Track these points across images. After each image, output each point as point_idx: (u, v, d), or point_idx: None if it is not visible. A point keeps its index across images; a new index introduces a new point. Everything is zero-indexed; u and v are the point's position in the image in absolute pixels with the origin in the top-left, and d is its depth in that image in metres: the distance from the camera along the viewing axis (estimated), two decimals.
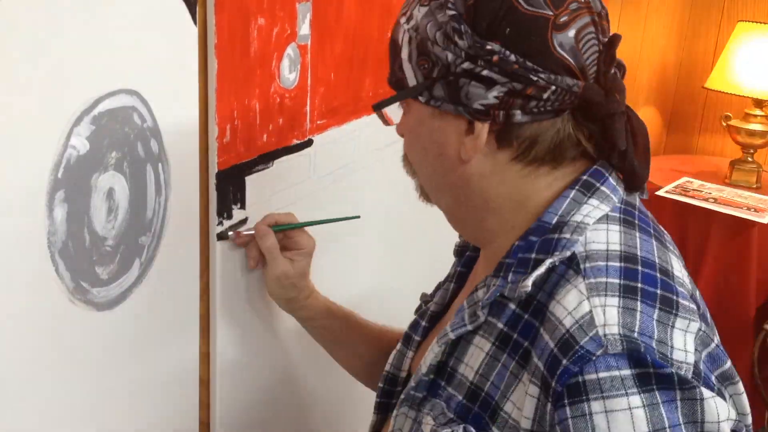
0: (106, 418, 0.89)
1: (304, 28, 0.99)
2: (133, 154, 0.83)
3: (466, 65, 0.68)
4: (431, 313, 0.90)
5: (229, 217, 0.97)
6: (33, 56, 0.71)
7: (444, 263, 1.01)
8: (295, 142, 1.03)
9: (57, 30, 0.72)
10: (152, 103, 0.83)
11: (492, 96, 0.68)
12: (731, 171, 2.50)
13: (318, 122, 1.06)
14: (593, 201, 0.71)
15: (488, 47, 0.67)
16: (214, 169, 0.93)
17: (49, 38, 0.72)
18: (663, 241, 0.74)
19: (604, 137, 0.72)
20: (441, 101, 0.70)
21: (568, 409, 0.62)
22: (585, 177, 0.72)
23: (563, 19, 0.67)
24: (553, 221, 0.71)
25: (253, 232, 0.97)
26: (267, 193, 1.01)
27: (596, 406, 0.61)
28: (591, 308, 0.64)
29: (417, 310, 0.94)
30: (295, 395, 1.19)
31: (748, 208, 2.30)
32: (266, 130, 0.98)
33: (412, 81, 0.72)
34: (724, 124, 2.50)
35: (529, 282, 0.67)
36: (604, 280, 0.66)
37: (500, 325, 0.70)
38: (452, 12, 0.68)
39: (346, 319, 1.05)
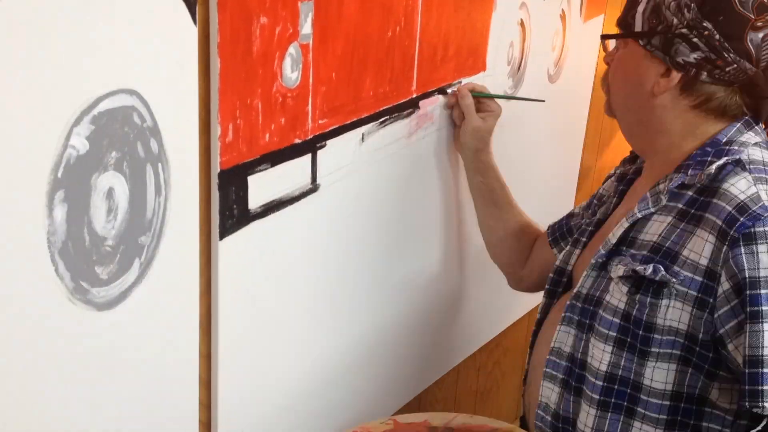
0: (106, 419, 0.89)
1: (306, 27, 0.99)
2: (132, 154, 0.83)
3: (684, 30, 0.97)
4: (597, 220, 1.17)
5: (232, 216, 0.96)
6: (33, 56, 0.70)
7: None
8: (297, 141, 1.03)
9: (57, 30, 0.72)
10: (152, 103, 0.83)
11: (693, 57, 0.98)
12: None
13: (320, 121, 1.06)
14: (751, 132, 1.02)
15: (705, 24, 0.97)
16: (216, 169, 0.92)
17: (49, 38, 0.71)
18: None
19: (759, 111, 1.03)
20: (655, 48, 1.00)
21: (742, 248, 0.92)
22: (747, 118, 1.03)
23: (759, 24, 0.97)
24: (724, 139, 1.01)
25: (455, 91, 1.28)
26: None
27: (762, 247, 0.91)
28: (758, 191, 0.95)
29: (568, 216, 1.29)
30: (295, 395, 1.18)
31: None
32: (268, 130, 0.98)
33: (638, 28, 1.01)
34: None
35: (713, 168, 0.97)
36: (764, 176, 0.97)
37: (680, 206, 0.99)
38: None
39: (504, 190, 1.35)
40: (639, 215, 1.01)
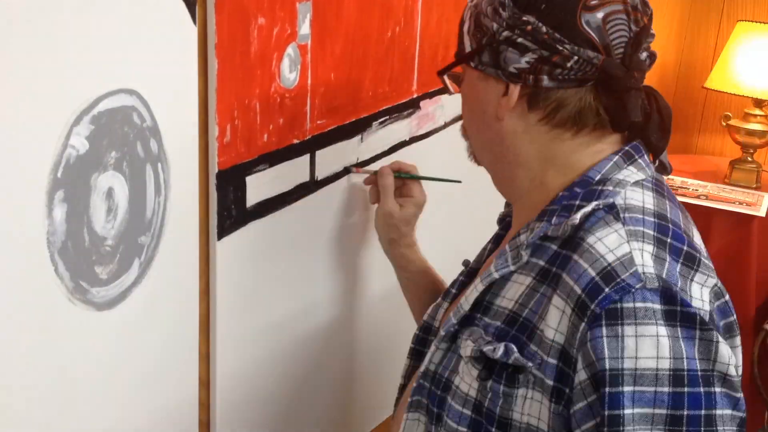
0: (106, 418, 0.89)
1: (305, 28, 0.99)
2: (132, 154, 0.83)
3: (506, 33, 0.79)
4: (469, 269, 1.00)
5: (230, 217, 0.96)
6: (32, 56, 0.70)
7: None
8: (295, 141, 1.03)
9: (56, 30, 0.72)
10: (152, 103, 0.83)
11: (524, 61, 0.79)
12: (731, 171, 2.50)
13: (318, 122, 1.06)
14: (632, 168, 0.82)
15: (524, 18, 0.78)
16: (214, 169, 0.92)
17: (49, 38, 0.72)
18: (686, 214, 0.86)
19: (621, 110, 0.81)
20: (486, 66, 0.82)
21: (604, 329, 0.71)
22: (626, 148, 0.83)
23: (593, 2, 0.78)
24: (597, 177, 0.81)
25: (374, 170, 1.13)
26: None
27: (629, 330, 0.70)
28: (631, 250, 0.74)
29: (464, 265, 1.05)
30: (295, 395, 1.18)
31: (740, 203, 2.31)
32: (267, 130, 0.98)
33: (468, 49, 0.84)
34: (724, 123, 2.50)
35: (578, 216, 0.77)
36: (641, 229, 0.76)
37: (541, 263, 0.79)
38: None
39: (434, 284, 1.14)
40: (496, 275, 0.81)
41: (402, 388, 1.00)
